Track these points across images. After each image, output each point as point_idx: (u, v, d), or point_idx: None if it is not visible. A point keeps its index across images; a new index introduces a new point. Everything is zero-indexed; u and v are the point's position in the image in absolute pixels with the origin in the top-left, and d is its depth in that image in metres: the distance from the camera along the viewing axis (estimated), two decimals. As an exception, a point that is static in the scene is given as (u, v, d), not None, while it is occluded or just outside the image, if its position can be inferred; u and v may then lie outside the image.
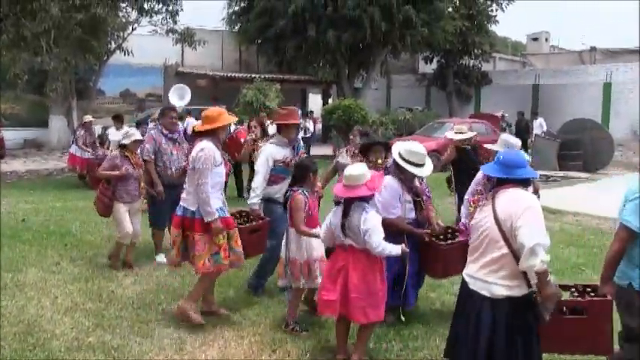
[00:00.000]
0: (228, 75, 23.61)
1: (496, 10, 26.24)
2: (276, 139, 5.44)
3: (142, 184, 6.34)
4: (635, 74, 23.10)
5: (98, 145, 12.49)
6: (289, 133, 5.38)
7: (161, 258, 6.55)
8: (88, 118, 12.62)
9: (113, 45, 16.60)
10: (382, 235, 3.94)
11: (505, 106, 23.35)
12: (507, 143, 5.18)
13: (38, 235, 7.71)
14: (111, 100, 23.00)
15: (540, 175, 14.85)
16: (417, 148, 4.69)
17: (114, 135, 12.40)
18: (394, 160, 4.73)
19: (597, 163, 16.35)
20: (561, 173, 15.43)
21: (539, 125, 18.96)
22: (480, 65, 27.48)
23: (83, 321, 4.77)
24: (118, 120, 12.32)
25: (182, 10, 16.71)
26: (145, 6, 16.05)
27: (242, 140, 9.06)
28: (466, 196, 5.16)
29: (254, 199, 5.25)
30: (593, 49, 30.53)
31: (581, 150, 16.31)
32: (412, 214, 4.75)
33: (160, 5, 16.23)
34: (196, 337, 4.50)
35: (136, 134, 6.39)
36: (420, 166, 4.65)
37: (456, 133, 7.63)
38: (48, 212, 9.41)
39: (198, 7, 24.90)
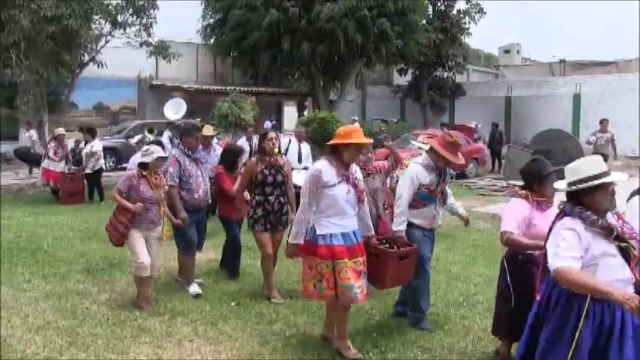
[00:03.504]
0: (203, 88, 23.52)
1: (469, 22, 26.68)
2: (425, 159, 4.85)
3: (163, 209, 5.57)
4: (601, 86, 23.68)
5: (70, 158, 12.32)
6: (439, 161, 4.79)
7: (195, 288, 5.88)
8: (61, 130, 12.44)
9: (86, 57, 16.41)
10: None
11: (479, 117, 23.68)
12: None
13: (8, 252, 7.52)
14: (84, 114, 22.72)
15: (513, 184, 15.13)
16: (583, 160, 3.18)
17: (85, 148, 12.26)
18: (566, 195, 3.18)
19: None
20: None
21: None
22: (453, 77, 27.86)
23: (56, 339, 4.65)
24: (89, 133, 12.20)
25: (156, 22, 16.56)
26: (119, 18, 15.87)
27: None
28: None
29: (400, 226, 4.76)
30: (562, 61, 31.22)
31: (553, 160, 16.54)
32: (623, 274, 3.00)
33: (134, 18, 16.08)
34: (173, 353, 4.44)
35: (159, 151, 5.56)
36: (598, 177, 3.03)
37: (424, 143, 8.00)
38: (18, 228, 9.20)
39: (173, 19, 24.83)
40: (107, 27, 16.17)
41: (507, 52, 36.96)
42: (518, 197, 4.03)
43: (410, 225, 4.82)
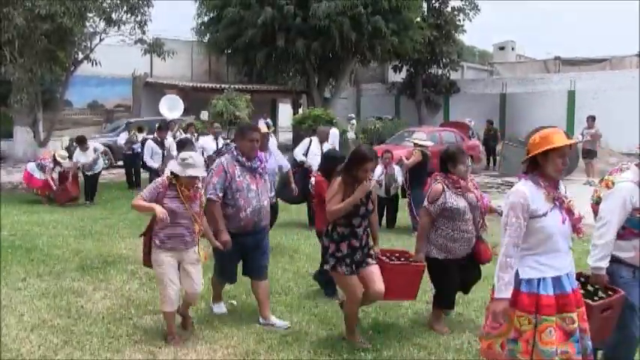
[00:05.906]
0: (198, 85, 23.48)
1: (463, 19, 26.71)
2: (638, 175, 3.66)
3: (199, 227, 4.55)
4: (596, 83, 23.76)
5: (67, 157, 12.20)
6: None
7: (220, 308, 5.31)
8: (64, 156, 12.09)
9: (80, 55, 16.36)
10: None
11: (473, 114, 23.74)
12: None
13: (3, 251, 7.49)
14: (78, 112, 22.65)
15: (508, 181, 15.19)
16: None
17: (79, 156, 11.85)
18: None
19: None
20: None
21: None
22: (448, 74, 27.88)
23: (51, 338, 4.65)
24: (82, 142, 11.87)
25: (151, 20, 16.54)
26: (113, 16, 15.84)
27: None
28: None
29: (601, 262, 3.59)
30: (557, 58, 31.28)
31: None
32: None
33: (129, 15, 16.04)
34: (168, 352, 4.43)
35: (197, 167, 4.41)
36: None
37: (419, 139, 9.01)
38: (13, 227, 9.17)
39: (168, 17, 24.75)
40: (101, 25, 16.14)
41: (502, 49, 36.99)
42: None
43: (616, 261, 3.67)
